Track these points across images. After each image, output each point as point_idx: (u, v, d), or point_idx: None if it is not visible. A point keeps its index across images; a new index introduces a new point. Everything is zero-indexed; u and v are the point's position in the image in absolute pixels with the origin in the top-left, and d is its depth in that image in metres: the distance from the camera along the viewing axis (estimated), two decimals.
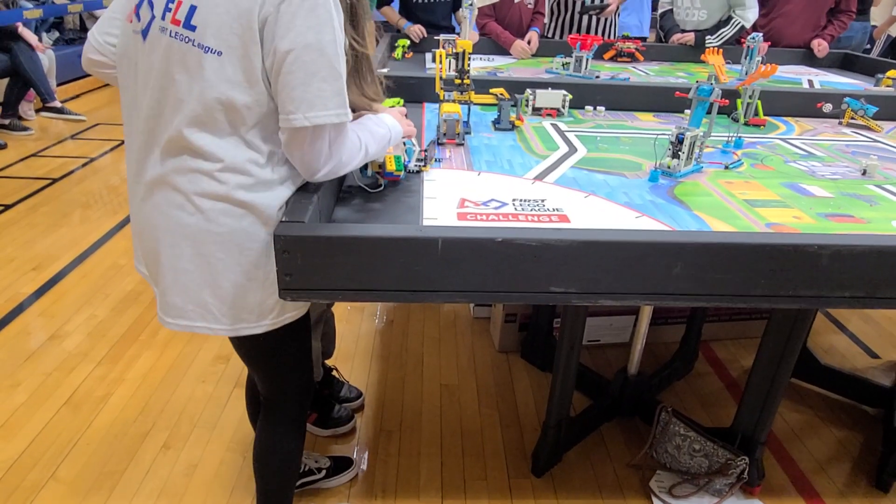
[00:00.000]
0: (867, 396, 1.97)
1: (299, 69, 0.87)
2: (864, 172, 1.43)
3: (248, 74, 0.89)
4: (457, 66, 1.62)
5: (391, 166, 1.17)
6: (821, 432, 1.87)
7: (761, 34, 2.49)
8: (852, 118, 1.87)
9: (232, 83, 0.89)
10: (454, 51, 1.61)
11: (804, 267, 0.88)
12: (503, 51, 2.87)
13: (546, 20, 3.13)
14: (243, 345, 1.12)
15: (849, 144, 1.68)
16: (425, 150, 1.36)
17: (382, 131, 1.09)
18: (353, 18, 1.05)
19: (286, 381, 1.21)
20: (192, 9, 0.88)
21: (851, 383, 2.00)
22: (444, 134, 1.52)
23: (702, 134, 1.37)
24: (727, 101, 1.63)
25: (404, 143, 1.26)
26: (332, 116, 0.90)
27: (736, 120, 1.82)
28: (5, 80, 4.22)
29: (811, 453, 1.79)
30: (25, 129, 4.26)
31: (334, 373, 1.87)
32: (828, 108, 1.91)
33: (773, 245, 0.87)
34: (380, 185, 1.20)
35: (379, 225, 1.01)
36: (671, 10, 3.09)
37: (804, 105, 1.93)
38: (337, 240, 0.86)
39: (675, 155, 1.35)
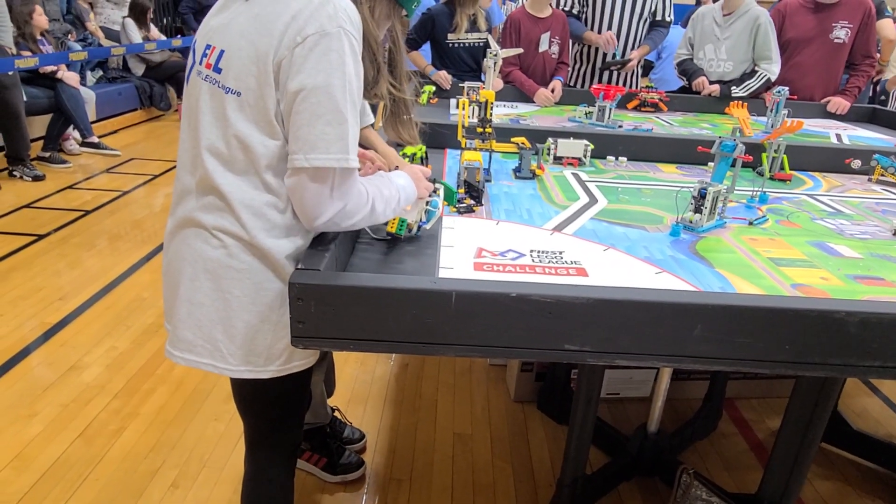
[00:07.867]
0: None
1: (305, 110, 0.89)
2: None
3: (262, 115, 0.92)
4: (479, 114, 1.64)
5: (392, 227, 1.13)
6: (853, 503, 1.77)
7: (787, 88, 2.48)
8: (882, 175, 1.83)
9: (248, 123, 0.93)
10: (477, 99, 1.63)
11: (831, 334, 0.85)
12: (527, 98, 2.90)
13: (569, 69, 3.18)
14: (243, 388, 1.11)
15: (879, 202, 1.64)
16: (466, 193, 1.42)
17: (389, 192, 1.03)
18: (391, 64, 1.07)
19: (278, 433, 1.17)
20: (221, 53, 0.94)
21: (886, 450, 1.90)
22: (465, 181, 1.50)
23: (725, 189, 1.35)
24: (751, 157, 1.61)
25: (427, 203, 1.22)
26: (333, 161, 0.90)
27: (761, 174, 1.79)
28: (48, 116, 4.41)
29: None
30: (64, 161, 4.42)
31: (336, 413, 1.84)
32: (857, 164, 1.87)
33: (798, 310, 0.84)
34: (388, 236, 1.19)
35: (393, 276, 1.01)
36: (690, 59, 3.09)
37: (832, 160, 1.90)
38: (350, 289, 0.85)
39: (697, 209, 1.33)
